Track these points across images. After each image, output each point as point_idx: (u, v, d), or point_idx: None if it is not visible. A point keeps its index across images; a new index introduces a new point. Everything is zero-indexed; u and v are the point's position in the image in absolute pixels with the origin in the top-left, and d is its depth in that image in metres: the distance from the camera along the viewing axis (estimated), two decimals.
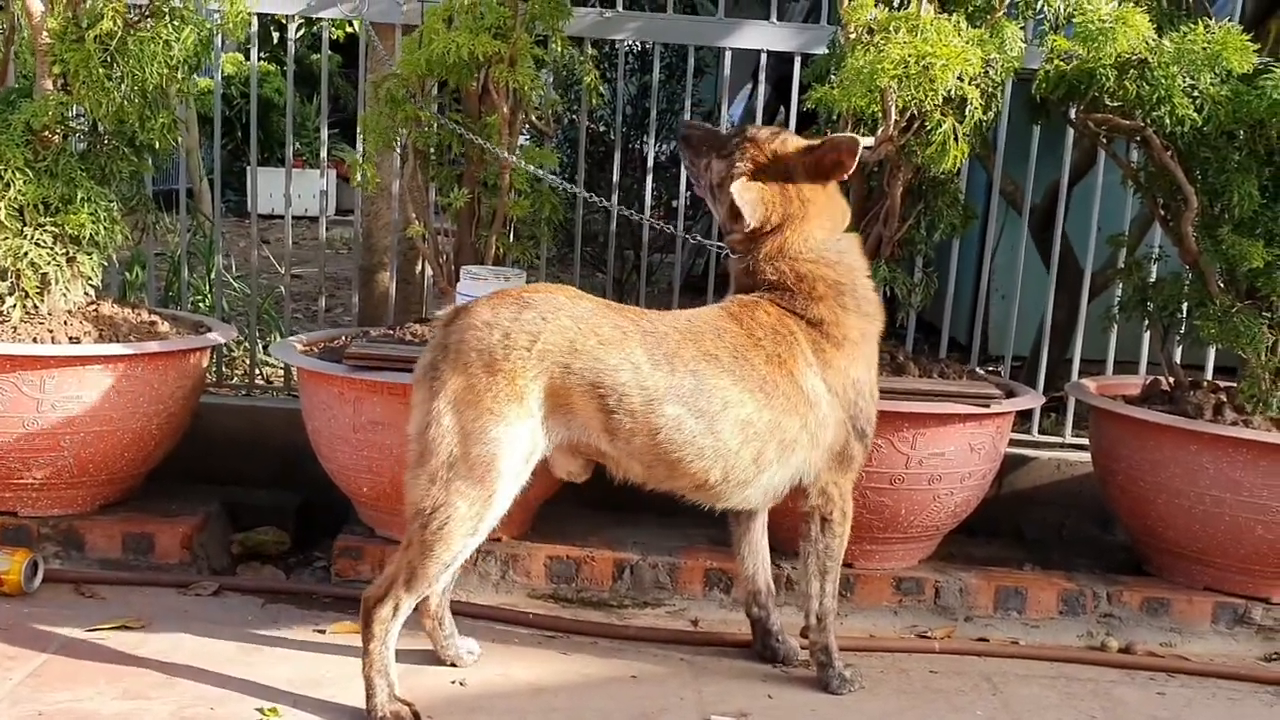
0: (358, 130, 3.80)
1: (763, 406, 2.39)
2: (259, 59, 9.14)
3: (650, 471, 2.43)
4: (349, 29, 3.71)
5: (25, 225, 3.02)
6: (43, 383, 2.87)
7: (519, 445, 2.31)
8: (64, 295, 3.10)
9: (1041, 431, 3.84)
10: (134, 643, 2.64)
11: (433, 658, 2.63)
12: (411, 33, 3.31)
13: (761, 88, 3.91)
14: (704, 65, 5.67)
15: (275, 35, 8.90)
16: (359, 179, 3.29)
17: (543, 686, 2.57)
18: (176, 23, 3.07)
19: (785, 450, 2.43)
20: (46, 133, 3.03)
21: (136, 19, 3.07)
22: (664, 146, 5.69)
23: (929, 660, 2.85)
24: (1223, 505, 2.94)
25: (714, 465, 2.39)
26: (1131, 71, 2.82)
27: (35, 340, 2.96)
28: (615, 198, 3.65)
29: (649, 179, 3.92)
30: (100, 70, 2.97)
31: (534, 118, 3.34)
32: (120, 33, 2.99)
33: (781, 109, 5.10)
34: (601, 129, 5.70)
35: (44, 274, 3.04)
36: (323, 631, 2.75)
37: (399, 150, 3.31)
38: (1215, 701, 2.74)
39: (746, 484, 2.45)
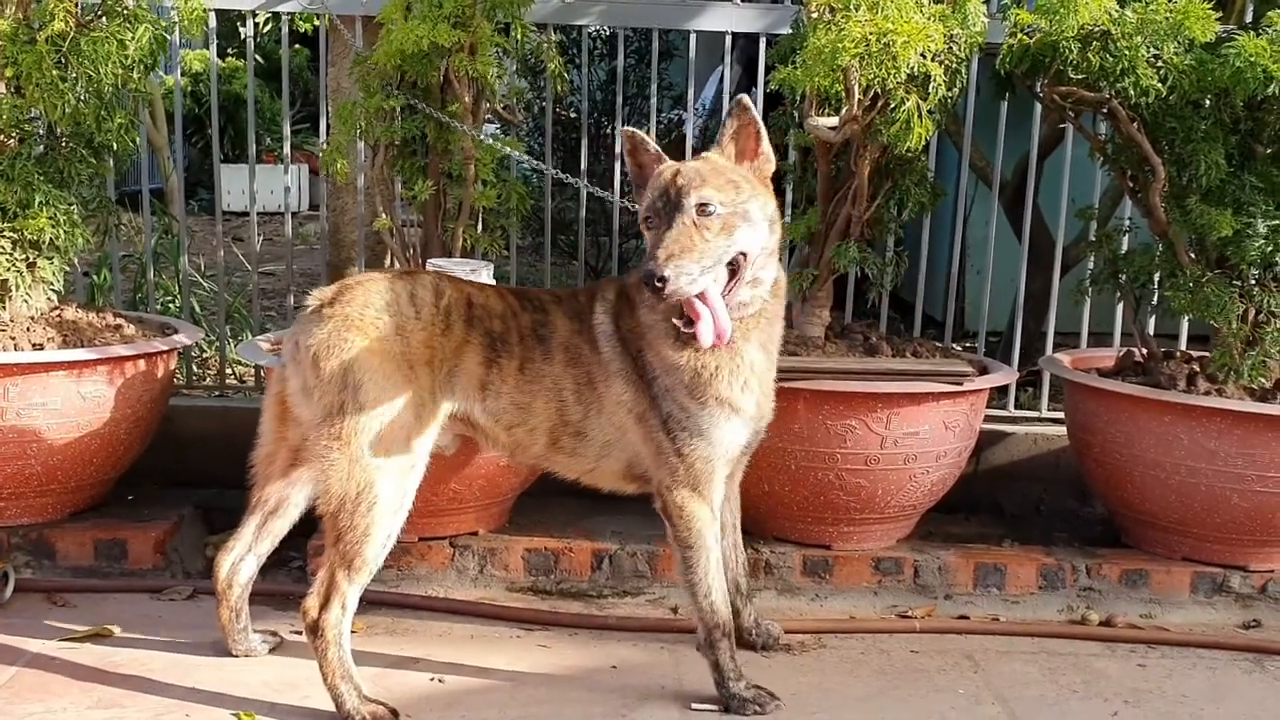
0: (322, 123, 3.78)
1: (575, 331, 2.44)
2: (229, 54, 8.96)
3: (512, 435, 2.46)
4: (316, 21, 3.66)
5: None
6: (5, 391, 2.83)
7: (434, 409, 2.37)
8: (25, 301, 3.06)
9: (1018, 406, 3.84)
10: (107, 651, 2.62)
11: (403, 661, 2.61)
12: (373, 23, 3.27)
13: (729, 70, 3.89)
14: (673, 48, 5.64)
15: (242, 30, 8.82)
16: (329, 169, 3.25)
17: (522, 679, 2.56)
18: (131, 22, 3.01)
19: (587, 387, 2.41)
20: (1, 137, 2.98)
21: (89, 19, 3.02)
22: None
23: (910, 640, 2.85)
24: (1198, 475, 2.94)
25: (551, 401, 2.42)
26: (1094, 43, 2.81)
27: None
28: (585, 183, 3.62)
29: (618, 164, 3.89)
30: (53, 72, 2.92)
31: (499, 106, 3.31)
32: (73, 33, 2.95)
33: (752, 90, 5.09)
34: (571, 115, 5.67)
35: (3, 280, 3.01)
36: (299, 633, 2.72)
37: (370, 143, 3.27)
38: (1196, 671, 2.75)
39: (583, 433, 2.43)
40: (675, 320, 2.23)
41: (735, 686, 2.42)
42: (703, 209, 2.15)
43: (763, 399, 2.42)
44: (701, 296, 2.15)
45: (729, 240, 2.18)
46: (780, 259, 2.42)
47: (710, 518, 2.40)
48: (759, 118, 2.27)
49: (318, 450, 2.33)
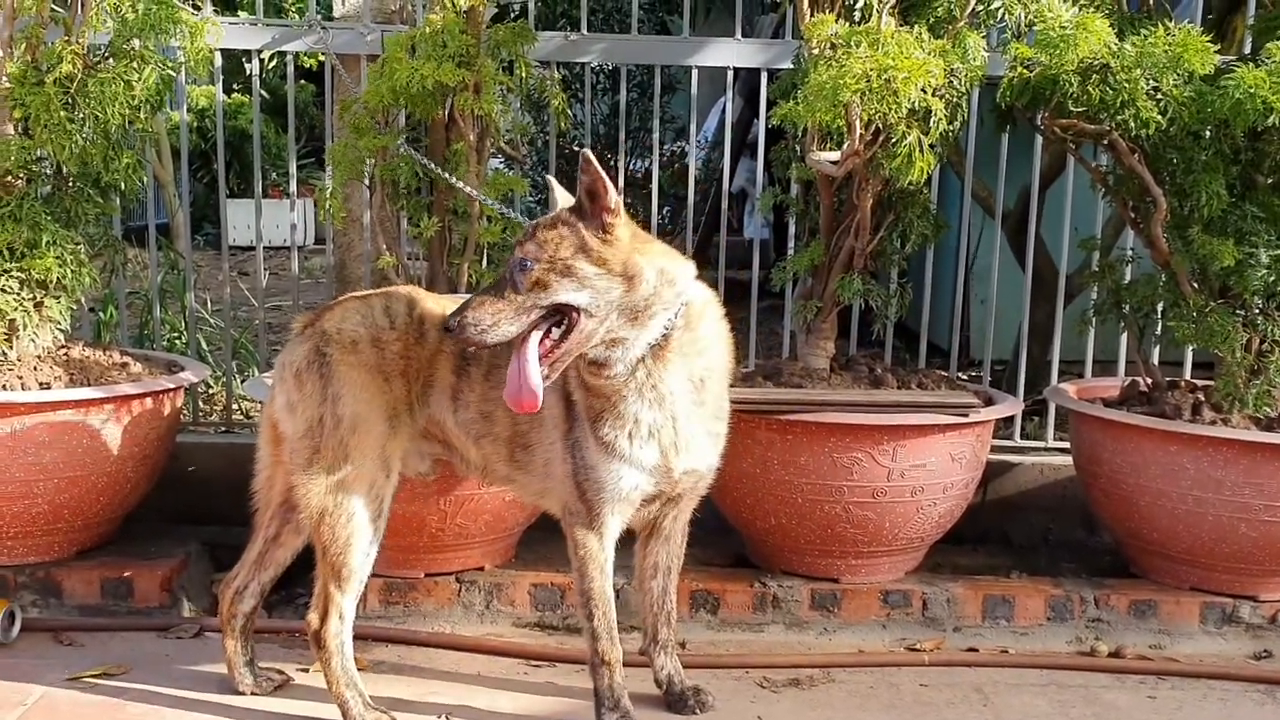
0: (327, 159, 3.80)
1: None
2: (234, 90, 9.02)
3: (480, 449, 2.50)
4: (321, 57, 3.69)
5: None
6: (13, 430, 2.83)
7: (409, 420, 2.47)
8: (33, 341, 3.07)
9: (1024, 436, 3.84)
10: (115, 690, 2.61)
11: (410, 699, 2.60)
12: (376, 62, 3.30)
13: (731, 102, 3.91)
14: (675, 81, 5.68)
15: (248, 66, 8.88)
16: (326, 212, 3.27)
17: (529, 717, 2.55)
18: (137, 63, 3.04)
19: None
20: (9, 178, 3.01)
21: (97, 60, 3.05)
22: (638, 163, 5.72)
23: (919, 673, 2.84)
24: (1205, 505, 2.94)
25: (507, 411, 2.39)
26: (1094, 76, 2.82)
27: (4, 387, 2.92)
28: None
29: (621, 196, 3.90)
30: (61, 113, 2.94)
31: (503, 143, 3.33)
32: (80, 75, 2.97)
33: (755, 121, 5.12)
34: (575, 148, 5.69)
35: (11, 320, 3.02)
36: (306, 670, 2.72)
37: (367, 181, 3.30)
38: (1207, 703, 2.73)
39: (529, 446, 2.46)
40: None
41: (605, 715, 2.42)
42: (520, 264, 2.17)
43: (671, 452, 2.34)
44: (522, 347, 2.16)
45: (542, 295, 2.14)
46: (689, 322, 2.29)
47: (598, 548, 2.42)
48: (601, 171, 2.17)
49: (298, 463, 2.40)
